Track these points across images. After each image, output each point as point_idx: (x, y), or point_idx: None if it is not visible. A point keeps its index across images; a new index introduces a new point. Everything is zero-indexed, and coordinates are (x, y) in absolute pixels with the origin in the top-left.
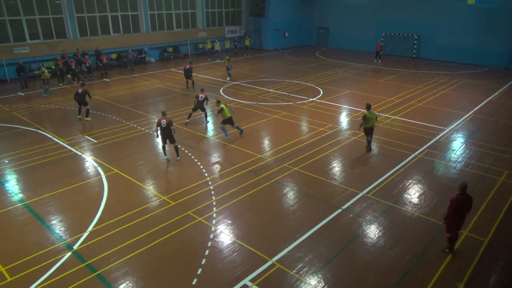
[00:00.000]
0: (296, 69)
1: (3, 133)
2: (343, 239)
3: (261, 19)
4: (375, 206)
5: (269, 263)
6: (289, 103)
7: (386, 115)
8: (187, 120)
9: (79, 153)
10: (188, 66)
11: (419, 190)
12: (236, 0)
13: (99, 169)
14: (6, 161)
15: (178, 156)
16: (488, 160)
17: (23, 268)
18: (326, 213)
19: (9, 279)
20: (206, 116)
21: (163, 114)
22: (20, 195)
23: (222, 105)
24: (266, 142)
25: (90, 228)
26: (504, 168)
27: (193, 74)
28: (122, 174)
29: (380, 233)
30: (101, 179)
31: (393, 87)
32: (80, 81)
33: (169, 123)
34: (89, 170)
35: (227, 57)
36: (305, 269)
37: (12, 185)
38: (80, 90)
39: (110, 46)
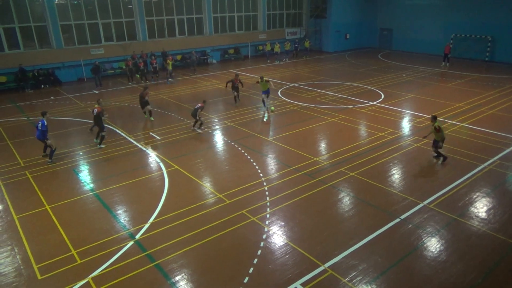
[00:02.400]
0: (357, 71)
1: (78, 127)
2: (401, 250)
3: (322, 20)
4: (437, 218)
5: (321, 268)
6: (348, 107)
7: (453, 122)
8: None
9: (144, 149)
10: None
11: (488, 204)
12: (297, 2)
13: (161, 164)
14: (81, 153)
15: (99, 144)
16: None
17: (91, 252)
18: (383, 222)
19: (79, 261)
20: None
21: (98, 102)
22: (91, 185)
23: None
24: (323, 145)
25: (151, 220)
26: None
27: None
28: (182, 170)
29: (442, 247)
30: (162, 174)
31: (462, 92)
32: (146, 81)
33: (100, 113)
34: (152, 165)
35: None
36: (358, 278)
37: (85, 175)
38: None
39: (175, 48)
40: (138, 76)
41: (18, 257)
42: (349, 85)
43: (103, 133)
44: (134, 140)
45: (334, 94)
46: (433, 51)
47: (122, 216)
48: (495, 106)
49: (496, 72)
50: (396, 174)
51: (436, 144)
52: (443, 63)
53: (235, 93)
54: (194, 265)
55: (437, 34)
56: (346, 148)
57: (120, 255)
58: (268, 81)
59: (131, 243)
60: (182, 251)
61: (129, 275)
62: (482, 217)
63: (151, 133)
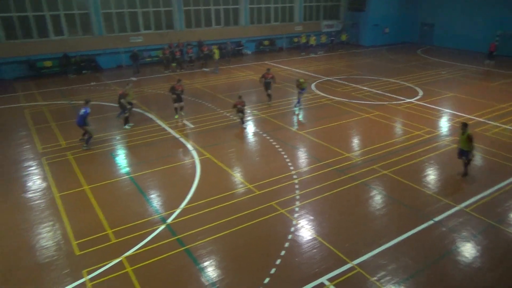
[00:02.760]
0: (394, 67)
1: (116, 113)
2: (433, 253)
3: (360, 13)
4: (474, 223)
5: (349, 265)
6: (384, 103)
7: (496, 124)
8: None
9: (177, 136)
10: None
11: None
12: None
13: (194, 152)
14: (117, 138)
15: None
16: None
17: (124, 233)
18: (415, 223)
19: (113, 240)
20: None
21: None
22: (127, 169)
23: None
24: (356, 141)
25: (183, 205)
26: None
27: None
28: (213, 159)
29: (477, 253)
30: (194, 162)
31: (507, 93)
32: (182, 70)
33: (120, 95)
34: (185, 152)
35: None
36: (387, 278)
37: (121, 159)
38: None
39: (211, 38)
40: (174, 64)
41: (58, 232)
42: (386, 80)
43: (125, 115)
44: (168, 127)
45: (369, 89)
46: (477, 48)
47: (155, 200)
48: None
49: None
50: (431, 175)
51: (466, 154)
52: (487, 61)
53: (269, 91)
54: (222, 252)
55: (481, 30)
56: (379, 145)
57: (152, 238)
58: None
59: (162, 226)
60: (211, 238)
61: (159, 257)
62: None
63: (185, 121)
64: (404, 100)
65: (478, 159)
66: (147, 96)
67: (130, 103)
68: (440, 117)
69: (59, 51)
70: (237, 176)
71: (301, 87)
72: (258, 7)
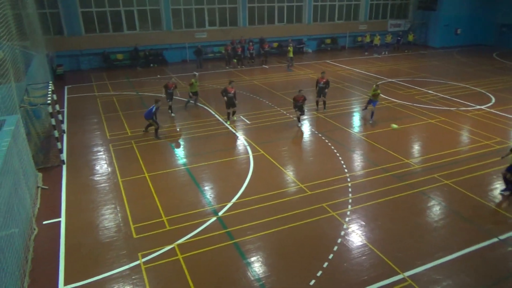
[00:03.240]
0: (465, 71)
1: (177, 105)
2: (495, 273)
3: (430, 13)
4: None
5: (400, 276)
6: (451, 109)
7: None
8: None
9: (234, 131)
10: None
11: None
12: None
13: (248, 148)
14: (178, 129)
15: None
16: None
17: (178, 221)
18: (476, 239)
19: (168, 227)
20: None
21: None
22: (184, 160)
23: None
24: (416, 148)
25: (234, 199)
26: None
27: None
28: (267, 156)
29: None
30: (248, 158)
31: None
32: (242, 66)
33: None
34: (239, 148)
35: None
36: None
37: (179, 150)
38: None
39: (273, 35)
40: (235, 60)
41: (119, 215)
42: (455, 85)
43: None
44: (225, 121)
45: (435, 93)
46: None
47: (208, 192)
48: None
49: None
50: (499, 189)
51: None
52: None
53: (322, 97)
54: (270, 249)
55: None
56: (442, 153)
57: (203, 229)
58: (375, 94)
59: (214, 218)
60: (260, 234)
61: (209, 248)
62: None
63: (242, 116)
64: (473, 106)
65: None
66: (207, 91)
67: (194, 93)
68: None
69: (130, 45)
70: (290, 174)
71: (373, 99)
72: (322, 5)
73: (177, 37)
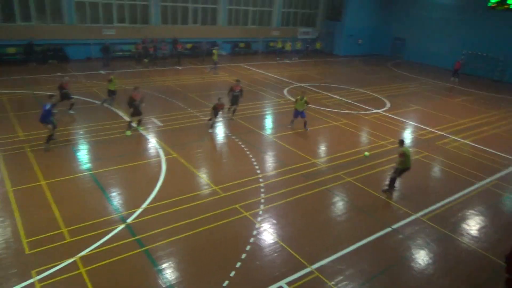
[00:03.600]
0: (365, 78)
1: (81, 106)
2: (389, 259)
3: (336, 23)
4: (428, 231)
5: (308, 269)
6: (353, 112)
7: (455, 138)
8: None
9: (145, 134)
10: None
11: (480, 222)
12: (314, 2)
13: (160, 151)
14: (81, 132)
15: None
16: None
17: (81, 232)
18: (374, 230)
19: (68, 239)
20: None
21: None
22: (88, 165)
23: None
24: (323, 148)
25: (144, 205)
26: None
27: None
28: (180, 159)
29: (430, 260)
30: (160, 161)
31: (468, 109)
32: (154, 66)
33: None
34: (151, 151)
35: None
36: (344, 283)
37: (83, 155)
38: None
39: (186, 36)
40: (146, 60)
41: (8, 229)
42: (356, 90)
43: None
44: (135, 123)
45: (339, 98)
46: (444, 64)
47: (116, 198)
48: (499, 126)
49: (504, 92)
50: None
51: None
52: (453, 78)
53: (234, 106)
54: (183, 254)
55: (449, 48)
56: (345, 153)
57: (110, 238)
58: (307, 102)
59: (122, 226)
60: (172, 239)
61: (116, 258)
62: (473, 234)
63: (153, 119)
64: (372, 110)
65: (436, 170)
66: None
67: (112, 92)
68: (404, 128)
69: (24, 38)
70: (203, 177)
71: (299, 109)
72: (236, 9)
73: (81, 32)
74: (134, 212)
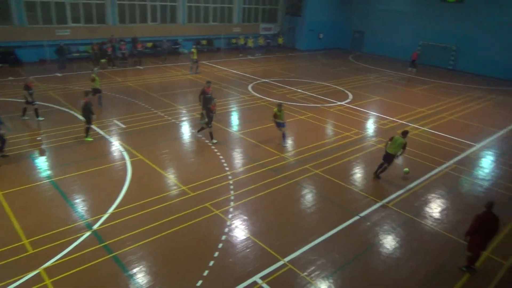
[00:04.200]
0: (328, 71)
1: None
2: (358, 246)
3: (297, 18)
4: (394, 217)
5: (281, 262)
6: (317, 105)
7: (415, 126)
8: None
9: (107, 137)
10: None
11: (442, 205)
12: None
13: (125, 153)
14: (39, 138)
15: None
16: None
17: (44, 242)
18: (343, 219)
19: (30, 251)
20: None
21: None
22: (48, 172)
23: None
24: (290, 142)
25: (111, 210)
26: None
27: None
28: (146, 160)
29: (397, 245)
30: (125, 164)
31: (426, 98)
32: (114, 66)
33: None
34: (115, 154)
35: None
36: (316, 273)
37: (42, 161)
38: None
39: (146, 35)
40: (103, 61)
41: None
42: (319, 84)
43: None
44: (97, 127)
45: (304, 92)
46: (402, 56)
47: (80, 205)
48: (454, 112)
49: (458, 80)
50: (358, 173)
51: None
52: (410, 68)
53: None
54: (154, 257)
55: (406, 40)
56: (312, 146)
57: (76, 246)
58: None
59: (88, 233)
60: (141, 243)
61: (84, 266)
62: (436, 217)
63: (115, 121)
64: (335, 103)
65: (399, 158)
66: (73, 94)
67: (97, 91)
68: (367, 119)
69: None
70: (171, 177)
71: (278, 120)
72: (196, 6)
73: (33, 34)
74: (100, 218)
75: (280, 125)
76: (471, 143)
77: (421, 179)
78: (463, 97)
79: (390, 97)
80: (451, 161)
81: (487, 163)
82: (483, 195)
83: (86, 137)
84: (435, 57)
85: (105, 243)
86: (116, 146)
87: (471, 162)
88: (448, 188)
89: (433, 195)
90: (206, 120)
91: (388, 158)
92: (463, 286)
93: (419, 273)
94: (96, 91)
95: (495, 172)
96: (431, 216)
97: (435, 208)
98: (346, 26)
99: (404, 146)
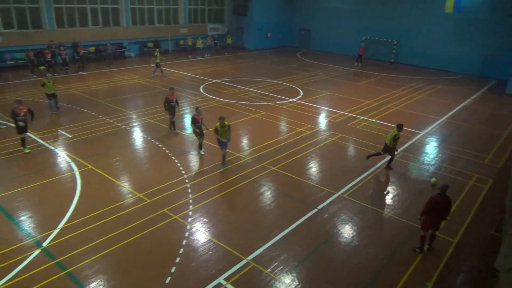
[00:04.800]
0: (277, 69)
1: None
2: (318, 238)
3: (244, 18)
4: (350, 207)
5: (244, 261)
6: (269, 103)
7: (364, 118)
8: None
9: (52, 148)
10: None
11: (393, 191)
12: None
13: (73, 164)
14: None
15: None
16: (459, 163)
17: None
18: (302, 213)
19: None
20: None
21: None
22: None
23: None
24: (245, 141)
25: (61, 225)
26: (474, 172)
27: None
28: (97, 170)
29: (354, 233)
30: (74, 175)
31: (372, 91)
32: (54, 74)
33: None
34: (61, 166)
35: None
36: (279, 268)
37: None
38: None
39: (88, 39)
40: (42, 68)
41: None
42: (270, 82)
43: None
44: (39, 138)
45: (255, 90)
46: (347, 51)
47: (26, 222)
48: (400, 103)
49: (399, 72)
50: (313, 167)
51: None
52: (356, 63)
53: (173, 117)
54: (112, 269)
55: (350, 36)
56: (267, 143)
57: (25, 266)
58: (229, 126)
59: (37, 251)
60: (97, 256)
61: (35, 286)
62: (389, 203)
63: (60, 130)
64: (287, 99)
65: (351, 150)
66: (9, 105)
67: (51, 95)
68: (319, 114)
69: None
70: (125, 185)
71: (219, 137)
72: (140, 8)
73: None
74: (50, 234)
75: (221, 144)
76: (416, 131)
77: (373, 168)
78: (405, 88)
79: (339, 92)
80: (399, 150)
81: (431, 149)
82: (430, 179)
83: (24, 148)
84: (378, 52)
85: (58, 260)
86: (62, 157)
87: (417, 149)
88: (398, 175)
89: (384, 183)
90: (176, 131)
91: (386, 149)
92: (417, 266)
93: (377, 258)
94: (50, 96)
95: (439, 156)
96: (384, 203)
97: (387, 195)
98: (292, 24)
99: (394, 138)
